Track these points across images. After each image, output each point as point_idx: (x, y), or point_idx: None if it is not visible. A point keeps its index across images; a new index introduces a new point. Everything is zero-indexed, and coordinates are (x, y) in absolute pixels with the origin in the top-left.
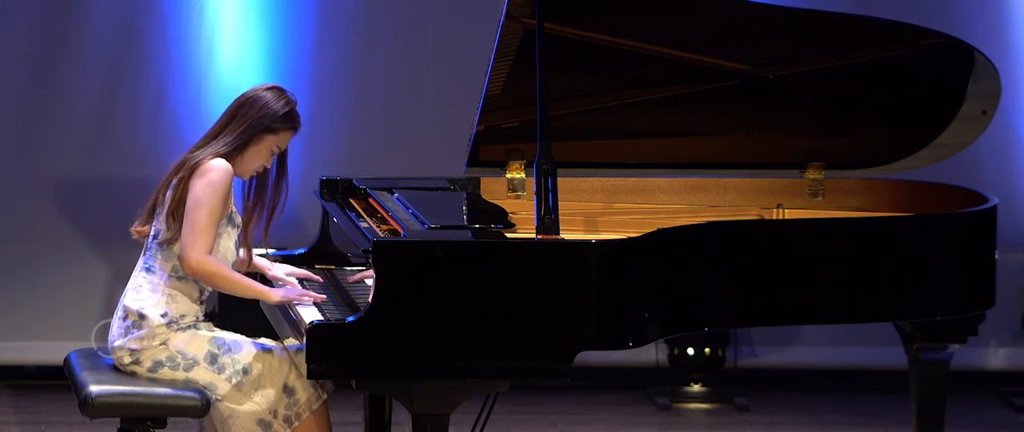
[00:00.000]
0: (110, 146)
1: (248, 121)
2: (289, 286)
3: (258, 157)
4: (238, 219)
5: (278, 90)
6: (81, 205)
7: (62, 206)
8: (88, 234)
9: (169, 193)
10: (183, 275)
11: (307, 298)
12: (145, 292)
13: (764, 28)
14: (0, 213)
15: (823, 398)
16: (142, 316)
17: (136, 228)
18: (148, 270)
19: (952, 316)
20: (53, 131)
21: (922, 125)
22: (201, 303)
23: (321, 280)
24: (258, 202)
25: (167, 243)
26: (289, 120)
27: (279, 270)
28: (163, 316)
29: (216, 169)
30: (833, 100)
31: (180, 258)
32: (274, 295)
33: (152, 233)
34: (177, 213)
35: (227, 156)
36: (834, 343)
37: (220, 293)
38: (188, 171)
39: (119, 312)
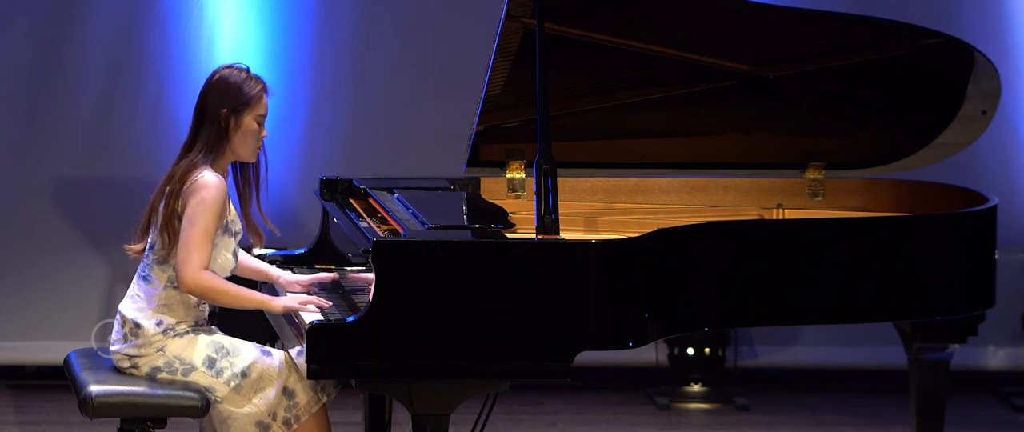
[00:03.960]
0: (110, 146)
1: (218, 109)
2: (292, 294)
3: (247, 137)
4: (237, 226)
5: (228, 68)
6: (81, 205)
7: (62, 206)
8: (88, 234)
9: (161, 207)
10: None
11: (311, 306)
12: (141, 302)
13: (764, 28)
14: (0, 213)
15: (823, 398)
16: (137, 325)
17: (130, 246)
18: (145, 279)
19: (952, 316)
20: (53, 131)
21: (922, 125)
22: (200, 306)
23: (334, 277)
24: (245, 181)
25: (163, 257)
26: (254, 85)
27: (290, 277)
28: (158, 325)
29: (208, 186)
30: (833, 100)
31: (176, 277)
32: (276, 304)
33: (149, 243)
34: (170, 227)
35: (215, 155)
36: (834, 343)
37: None
38: (178, 183)
39: (118, 317)
